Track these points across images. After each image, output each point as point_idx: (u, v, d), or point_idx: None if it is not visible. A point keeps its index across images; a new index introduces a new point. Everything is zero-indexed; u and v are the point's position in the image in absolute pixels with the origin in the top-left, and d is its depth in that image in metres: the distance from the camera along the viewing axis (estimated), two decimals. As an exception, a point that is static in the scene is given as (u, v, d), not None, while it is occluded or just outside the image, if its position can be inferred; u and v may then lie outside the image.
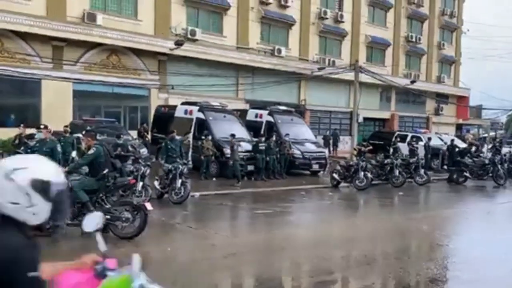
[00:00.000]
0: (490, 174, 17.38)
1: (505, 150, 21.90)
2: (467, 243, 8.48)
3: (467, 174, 17.40)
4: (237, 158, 14.89)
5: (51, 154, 8.35)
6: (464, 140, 26.45)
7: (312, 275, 6.26)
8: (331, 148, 24.24)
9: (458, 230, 9.95)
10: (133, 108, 20.93)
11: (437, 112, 36.33)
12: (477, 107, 41.31)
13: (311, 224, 10.03)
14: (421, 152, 18.88)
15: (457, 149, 18.93)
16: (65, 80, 17.90)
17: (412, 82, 31.31)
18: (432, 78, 36.17)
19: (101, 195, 7.80)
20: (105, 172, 7.76)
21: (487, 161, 17.97)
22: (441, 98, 35.73)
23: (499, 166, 17.49)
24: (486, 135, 40.75)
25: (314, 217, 11.02)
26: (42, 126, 8.66)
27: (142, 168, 11.00)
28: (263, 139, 16.02)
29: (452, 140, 21.24)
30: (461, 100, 38.17)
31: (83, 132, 9.08)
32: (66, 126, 13.27)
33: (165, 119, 18.11)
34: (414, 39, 33.74)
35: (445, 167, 19.65)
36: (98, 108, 19.39)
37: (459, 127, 38.75)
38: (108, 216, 7.51)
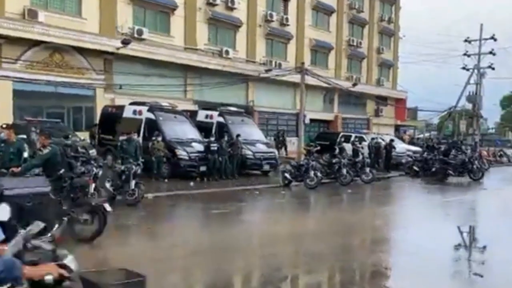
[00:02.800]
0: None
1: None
2: (410, 236, 8.97)
3: (450, 172, 18.71)
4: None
5: (19, 155, 7.86)
6: (403, 140, 27.95)
7: (269, 271, 6.40)
8: (284, 148, 24.68)
9: (402, 224, 10.51)
10: (77, 108, 20.15)
11: (377, 113, 37.99)
12: (413, 109, 43.70)
13: (267, 222, 10.24)
14: (365, 151, 19.75)
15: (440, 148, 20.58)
16: (4, 78, 16.93)
17: (354, 84, 32.55)
18: (372, 81, 37.78)
19: (57, 196, 7.54)
20: (61, 172, 7.50)
21: (466, 159, 19.27)
22: (381, 100, 37.43)
23: (476, 163, 19.12)
24: (421, 135, 43.19)
25: (269, 215, 11.24)
26: (4, 126, 8.05)
27: (94, 169, 10.70)
28: (213, 139, 16.07)
29: (391, 140, 22.44)
30: (399, 102, 40.20)
31: (37, 131, 8.70)
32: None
33: (112, 119, 17.63)
34: (355, 43, 35.09)
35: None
36: (40, 109, 18.48)
37: (397, 128, 40.77)
38: (65, 218, 7.28)
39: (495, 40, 33.54)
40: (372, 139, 22.28)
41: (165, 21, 23.21)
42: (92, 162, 11.10)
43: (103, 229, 7.34)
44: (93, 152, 13.96)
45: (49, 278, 2.11)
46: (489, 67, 34.46)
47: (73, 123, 19.19)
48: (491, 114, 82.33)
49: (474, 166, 19.14)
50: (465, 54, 34.18)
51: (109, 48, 19.85)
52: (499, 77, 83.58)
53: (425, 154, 20.78)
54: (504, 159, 31.26)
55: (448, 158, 19.47)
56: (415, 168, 20.00)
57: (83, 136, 16.28)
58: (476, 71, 34.14)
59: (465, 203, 13.87)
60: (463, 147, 22.86)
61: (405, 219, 11.06)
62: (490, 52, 33.81)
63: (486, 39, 33.83)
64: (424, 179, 18.85)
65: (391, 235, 9.20)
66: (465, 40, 34.08)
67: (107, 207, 7.58)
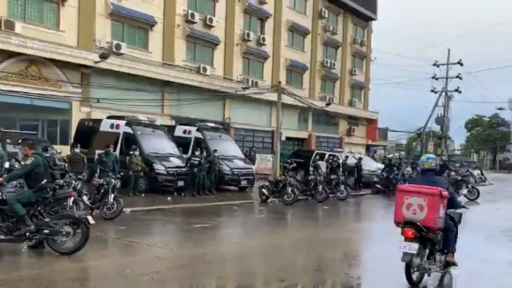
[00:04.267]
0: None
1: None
2: (383, 252, 9.22)
3: None
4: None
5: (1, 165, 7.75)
6: (375, 159, 28.63)
7: (245, 284, 6.54)
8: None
9: (376, 240, 10.79)
10: (52, 121, 19.86)
11: (349, 133, 38.85)
12: (384, 130, 44.87)
13: (246, 236, 10.37)
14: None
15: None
16: (-22, 89, 16.64)
17: (328, 104, 33.30)
18: (345, 101, 38.71)
19: (39, 208, 7.47)
20: (43, 183, 7.44)
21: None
22: (353, 120, 38.34)
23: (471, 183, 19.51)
24: (391, 155, 44.27)
25: (248, 230, 11.36)
26: None
27: (73, 182, 10.63)
28: (197, 153, 16.17)
29: (360, 159, 23.00)
30: (370, 122, 41.25)
31: (19, 141, 8.61)
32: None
33: (88, 133, 17.48)
34: (329, 65, 35.99)
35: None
36: (13, 121, 18.11)
37: (368, 147, 41.72)
38: (47, 231, 7.21)
39: (461, 65, 35.06)
40: (346, 157, 22.77)
41: (143, 36, 23.32)
42: (71, 174, 11.07)
43: (86, 242, 7.30)
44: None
45: None
46: (456, 90, 35.89)
47: (48, 136, 18.88)
48: (457, 136, 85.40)
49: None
50: (433, 77, 35.55)
51: (87, 62, 19.78)
52: (466, 100, 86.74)
53: (384, 173, 21.42)
54: (471, 179, 32.37)
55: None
56: (378, 186, 20.63)
57: (59, 149, 16.03)
58: (444, 94, 35.50)
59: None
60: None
61: (379, 235, 11.37)
62: (457, 76, 35.28)
63: (453, 63, 35.35)
64: (392, 196, 19.35)
65: (366, 250, 9.45)
66: (434, 64, 35.48)
67: (91, 219, 7.57)
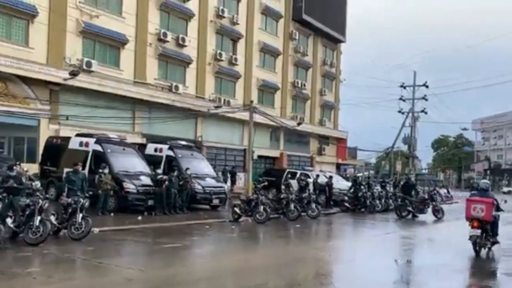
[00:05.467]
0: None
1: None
2: (354, 270, 9.32)
3: (410, 209, 19.28)
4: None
5: None
6: (347, 179, 29.02)
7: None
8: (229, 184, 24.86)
9: (347, 258, 10.91)
10: (19, 139, 19.36)
11: (320, 152, 39.37)
12: (353, 149, 45.67)
13: (217, 256, 10.27)
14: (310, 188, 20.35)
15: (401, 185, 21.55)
16: None
17: (299, 124, 33.76)
18: (315, 121, 39.33)
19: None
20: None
21: (426, 196, 19.98)
22: (323, 139, 38.92)
23: (437, 201, 19.85)
24: (360, 174, 45.01)
25: (219, 249, 11.27)
26: None
27: (40, 201, 10.31)
28: (159, 171, 16.00)
29: (331, 177, 23.31)
30: (340, 142, 41.97)
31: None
32: None
33: (56, 151, 17.14)
34: (299, 85, 36.62)
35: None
36: (-24, 138, 17.62)
37: (338, 166, 42.30)
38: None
39: (427, 87, 36.30)
40: (317, 175, 23.02)
41: (115, 54, 23.20)
42: (38, 194, 10.75)
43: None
44: (37, 183, 13.44)
45: None
46: (422, 111, 37.04)
47: (14, 153, 18.37)
48: (424, 155, 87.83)
49: (438, 204, 19.77)
50: (400, 99, 36.61)
51: (56, 79, 19.51)
52: (431, 121, 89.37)
53: (351, 191, 21.76)
54: (438, 198, 33.18)
55: (409, 195, 20.00)
56: (346, 204, 20.95)
57: (26, 167, 15.63)
58: (410, 114, 36.56)
59: (404, 237, 14.61)
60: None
61: (350, 253, 11.50)
62: (423, 98, 36.46)
63: (419, 85, 36.55)
64: (362, 214, 19.69)
65: (336, 269, 9.53)
66: (401, 86, 36.59)
67: None
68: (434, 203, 19.79)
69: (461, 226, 16.28)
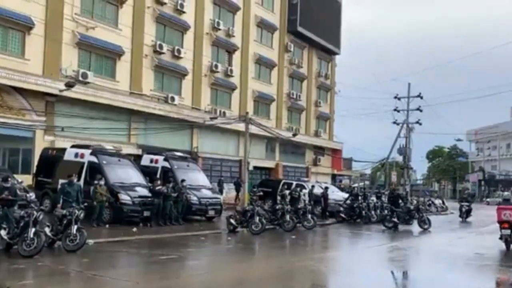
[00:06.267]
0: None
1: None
2: (350, 282, 9.33)
3: (395, 219, 19.21)
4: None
5: None
6: (342, 189, 29.07)
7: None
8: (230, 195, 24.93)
9: (344, 269, 10.91)
10: (14, 150, 19.29)
11: (315, 163, 39.44)
12: (348, 160, 45.75)
13: (214, 267, 10.23)
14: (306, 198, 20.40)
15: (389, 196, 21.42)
16: None
17: (294, 135, 33.85)
18: (311, 132, 39.46)
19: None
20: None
21: (412, 207, 19.91)
22: (319, 150, 39.01)
23: (423, 213, 19.73)
24: (356, 185, 45.05)
25: (216, 261, 11.23)
26: None
27: (35, 213, 10.25)
28: (159, 182, 15.99)
29: (326, 188, 23.34)
30: (335, 152, 42.07)
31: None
32: None
33: (52, 162, 17.09)
34: (295, 96, 36.80)
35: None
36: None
37: (334, 177, 42.36)
38: None
39: (421, 98, 36.49)
40: (313, 186, 23.04)
41: (111, 66, 23.27)
42: (33, 205, 10.70)
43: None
44: (32, 195, 13.39)
45: None
46: (417, 122, 37.21)
47: (9, 165, 18.30)
48: (419, 166, 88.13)
49: (424, 215, 19.66)
50: (395, 110, 36.78)
51: (52, 90, 19.52)
52: (426, 132, 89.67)
53: (348, 202, 21.77)
54: (433, 208, 33.26)
55: (397, 206, 19.94)
56: (342, 215, 20.96)
57: (21, 178, 15.55)
58: (405, 125, 36.70)
59: (400, 249, 14.62)
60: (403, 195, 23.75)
61: (346, 265, 11.49)
62: (418, 109, 36.66)
63: (413, 96, 36.75)
64: (356, 226, 19.70)
65: (332, 280, 9.52)
66: (395, 97, 36.78)
67: None
68: (420, 214, 19.71)
69: (456, 237, 16.25)
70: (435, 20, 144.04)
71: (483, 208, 38.17)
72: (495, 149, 73.18)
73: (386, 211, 20.53)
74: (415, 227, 19.41)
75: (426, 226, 19.09)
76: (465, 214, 25.33)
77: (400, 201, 20.69)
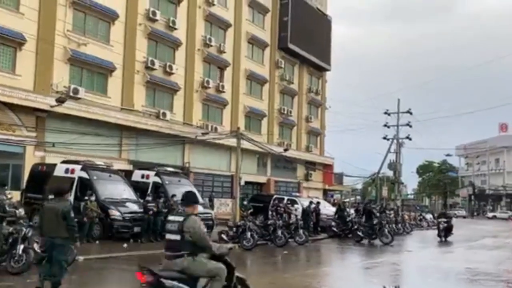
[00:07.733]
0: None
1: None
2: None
3: (360, 234, 19.24)
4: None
5: None
6: (333, 204, 29.09)
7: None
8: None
9: (336, 285, 10.91)
10: (3, 166, 19.14)
11: (307, 178, 39.52)
12: (339, 174, 45.93)
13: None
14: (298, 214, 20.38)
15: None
16: None
17: (286, 150, 33.93)
18: (302, 147, 39.63)
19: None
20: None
21: (375, 222, 19.86)
22: (310, 165, 39.14)
23: (387, 227, 19.57)
24: (347, 200, 45.15)
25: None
26: None
27: (24, 229, 10.12)
28: (150, 198, 15.90)
29: (318, 203, 23.32)
30: (327, 167, 42.23)
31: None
32: None
33: (41, 178, 16.91)
34: (286, 112, 37.05)
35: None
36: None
37: (325, 192, 42.43)
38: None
39: (411, 113, 36.96)
40: (310, 202, 22.88)
41: (102, 81, 23.31)
42: (22, 221, 10.58)
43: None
44: (21, 211, 13.24)
45: None
46: (407, 137, 37.59)
47: (-2, 181, 18.11)
48: (410, 181, 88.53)
49: (385, 230, 19.23)
50: (385, 125, 37.17)
51: (43, 106, 19.48)
52: (416, 147, 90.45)
53: (336, 217, 21.78)
54: (424, 223, 33.37)
55: (370, 220, 19.93)
56: (334, 229, 20.94)
57: (10, 194, 15.38)
58: (395, 141, 37.06)
59: (389, 264, 14.63)
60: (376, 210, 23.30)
61: (338, 280, 11.48)
62: (407, 124, 37.06)
63: (403, 112, 37.19)
64: (348, 241, 19.67)
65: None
66: (385, 113, 37.18)
67: None
68: (382, 228, 19.45)
69: (446, 251, 16.31)
70: (435, 34, 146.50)
71: (477, 223, 38.20)
72: (484, 163, 73.90)
73: (355, 225, 20.43)
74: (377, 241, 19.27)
75: (386, 241, 18.71)
76: (443, 232, 21.89)
77: (373, 216, 20.48)
